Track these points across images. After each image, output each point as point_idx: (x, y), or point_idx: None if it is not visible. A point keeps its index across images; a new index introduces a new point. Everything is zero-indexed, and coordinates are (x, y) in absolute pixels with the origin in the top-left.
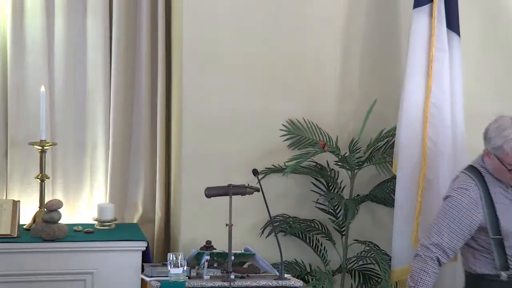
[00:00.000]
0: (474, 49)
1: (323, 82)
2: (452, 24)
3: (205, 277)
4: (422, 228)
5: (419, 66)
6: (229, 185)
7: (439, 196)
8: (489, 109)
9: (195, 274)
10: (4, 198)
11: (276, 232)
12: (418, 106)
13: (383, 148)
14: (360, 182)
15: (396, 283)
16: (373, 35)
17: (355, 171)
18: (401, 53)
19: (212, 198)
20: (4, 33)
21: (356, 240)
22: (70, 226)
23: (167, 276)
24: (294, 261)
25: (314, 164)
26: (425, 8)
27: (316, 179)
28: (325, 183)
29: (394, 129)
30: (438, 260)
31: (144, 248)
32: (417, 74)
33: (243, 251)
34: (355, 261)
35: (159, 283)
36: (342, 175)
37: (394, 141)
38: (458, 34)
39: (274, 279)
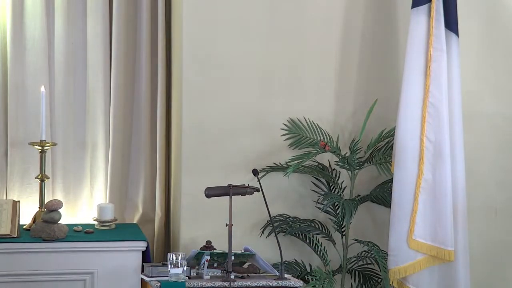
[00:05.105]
0: (473, 49)
1: (323, 82)
2: (451, 23)
3: (205, 277)
4: (418, 227)
5: (417, 66)
6: (229, 185)
7: (436, 196)
8: (487, 108)
9: (195, 274)
10: (4, 198)
11: (276, 232)
12: (416, 106)
13: (383, 148)
14: (360, 183)
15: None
16: (372, 35)
17: (356, 171)
18: (400, 52)
19: (212, 198)
20: (4, 33)
21: (356, 240)
22: (70, 226)
23: (167, 276)
24: (294, 261)
25: (316, 164)
26: (424, 8)
27: (317, 179)
28: (325, 183)
29: (395, 129)
30: None
31: (144, 248)
32: (415, 74)
33: (243, 251)
34: (355, 261)
35: (159, 283)
36: (343, 175)
37: None
38: (457, 33)
39: (274, 279)
